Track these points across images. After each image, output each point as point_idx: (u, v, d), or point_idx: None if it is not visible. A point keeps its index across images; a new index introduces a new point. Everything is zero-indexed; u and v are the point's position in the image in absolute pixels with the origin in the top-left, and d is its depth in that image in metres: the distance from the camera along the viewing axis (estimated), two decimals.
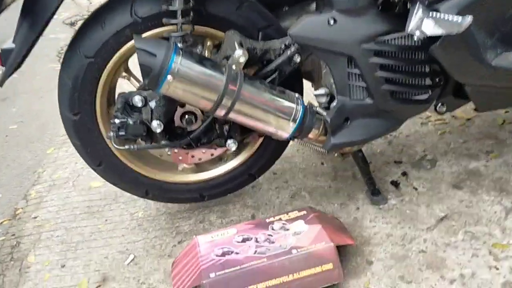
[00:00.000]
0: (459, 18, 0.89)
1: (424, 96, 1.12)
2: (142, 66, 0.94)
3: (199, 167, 1.35)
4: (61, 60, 1.18)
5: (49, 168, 1.77)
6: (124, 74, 1.19)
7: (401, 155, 1.54)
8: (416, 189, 1.36)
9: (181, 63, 0.96)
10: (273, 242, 1.07)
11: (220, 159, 1.36)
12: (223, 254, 1.06)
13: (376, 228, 1.24)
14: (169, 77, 0.95)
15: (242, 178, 1.35)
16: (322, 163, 1.56)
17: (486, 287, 1.02)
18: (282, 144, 1.32)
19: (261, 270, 1.01)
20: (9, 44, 1.09)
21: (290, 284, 1.01)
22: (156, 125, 1.06)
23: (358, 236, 1.21)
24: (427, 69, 1.09)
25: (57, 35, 3.15)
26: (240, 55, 0.99)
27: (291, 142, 1.25)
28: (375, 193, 1.33)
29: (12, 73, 1.14)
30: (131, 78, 1.21)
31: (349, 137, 1.12)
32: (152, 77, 0.95)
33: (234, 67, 1.00)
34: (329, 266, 1.03)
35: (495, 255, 1.09)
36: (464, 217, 1.22)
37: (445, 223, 1.21)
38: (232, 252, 1.06)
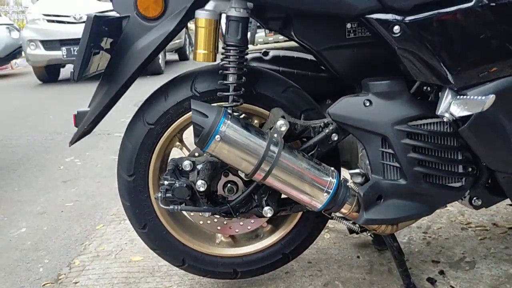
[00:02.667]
0: (483, 98, 0.98)
1: (457, 184, 1.16)
2: (195, 125, 1.07)
3: (236, 241, 1.40)
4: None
5: (96, 241, 1.86)
6: (177, 143, 1.32)
7: (439, 255, 1.51)
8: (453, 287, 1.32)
9: (228, 126, 1.07)
10: None
11: (256, 236, 1.40)
12: None
13: None
14: (217, 137, 1.06)
15: (276, 257, 1.37)
16: (358, 256, 1.56)
17: None
18: (317, 227, 1.36)
19: None
20: (85, 108, 1.26)
21: None
22: (200, 184, 1.15)
23: None
24: (460, 156, 1.14)
25: (122, 134, 3.44)
26: (282, 124, 1.10)
27: (327, 235, 1.28)
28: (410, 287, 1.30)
29: (83, 135, 1.29)
30: (183, 148, 1.33)
31: (382, 215, 1.15)
32: (202, 136, 1.07)
33: (275, 135, 1.11)
34: None
35: None
36: None
37: None
38: None
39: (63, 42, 6.43)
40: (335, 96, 1.38)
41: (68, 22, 6.52)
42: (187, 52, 9.06)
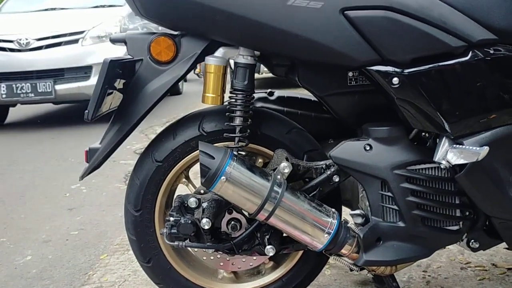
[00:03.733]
0: (477, 149, 1.02)
1: (454, 227, 1.19)
2: (202, 166, 1.12)
3: (238, 277, 1.43)
4: (133, 165, 1.37)
5: (99, 271, 1.88)
6: (184, 180, 1.37)
7: None
8: None
9: (234, 167, 1.12)
10: None
11: (258, 272, 1.43)
12: None
13: None
14: (223, 178, 1.11)
15: None
16: None
17: None
18: (318, 264, 1.39)
19: None
20: (96, 144, 1.31)
21: None
22: (205, 222, 1.18)
23: None
24: (457, 201, 1.18)
25: (127, 161, 3.50)
26: (285, 166, 1.15)
27: (328, 271, 1.31)
28: None
29: (93, 170, 1.34)
30: (189, 185, 1.38)
31: (381, 257, 1.18)
32: (209, 176, 1.11)
33: (279, 176, 1.15)
34: None
35: None
36: None
37: None
38: None
39: (1, 77, 4.79)
40: (337, 136, 1.44)
41: (10, 50, 4.86)
42: (180, 87, 7.63)
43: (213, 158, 1.11)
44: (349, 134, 1.35)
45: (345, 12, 1.04)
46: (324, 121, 1.51)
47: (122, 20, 5.39)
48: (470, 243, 1.26)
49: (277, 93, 1.55)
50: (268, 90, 1.56)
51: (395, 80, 1.06)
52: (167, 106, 5.94)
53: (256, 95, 1.52)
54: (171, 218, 1.23)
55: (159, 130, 4.70)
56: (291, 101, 1.53)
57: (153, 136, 1.29)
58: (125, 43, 1.26)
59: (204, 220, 1.18)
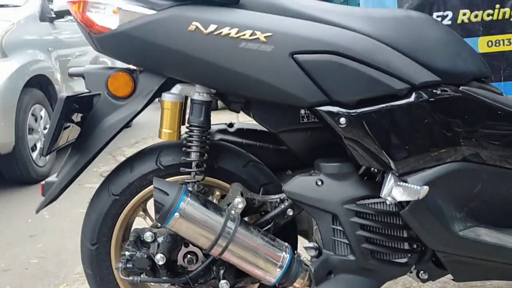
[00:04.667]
0: (418, 187, 1.07)
1: (402, 260, 1.23)
2: (156, 202, 1.13)
3: None
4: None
5: None
6: (141, 212, 1.37)
7: None
8: None
9: (188, 203, 1.14)
10: None
11: None
12: None
13: None
14: (176, 214, 1.13)
15: None
16: None
17: None
18: None
19: None
20: (53, 178, 1.31)
21: None
22: (160, 258, 1.19)
23: None
24: (405, 234, 1.22)
25: (93, 185, 3.46)
26: (239, 201, 1.17)
27: None
28: None
29: (49, 203, 1.34)
30: (147, 217, 1.39)
31: None
32: (163, 212, 1.13)
33: (233, 212, 1.17)
34: None
35: None
36: None
37: None
38: None
39: None
40: (295, 167, 1.48)
41: None
42: None
43: (167, 194, 1.13)
44: (307, 165, 1.39)
45: (294, 55, 1.09)
46: (282, 153, 1.54)
47: (12, 27, 3.63)
48: (420, 274, 1.30)
49: (237, 125, 1.58)
50: (228, 122, 1.59)
51: (342, 120, 1.11)
52: (136, 127, 5.90)
53: (215, 127, 1.55)
54: (127, 253, 1.24)
55: (127, 151, 4.69)
56: (250, 133, 1.56)
57: (121, 158, 1.30)
58: (83, 77, 1.28)
59: (159, 256, 1.19)
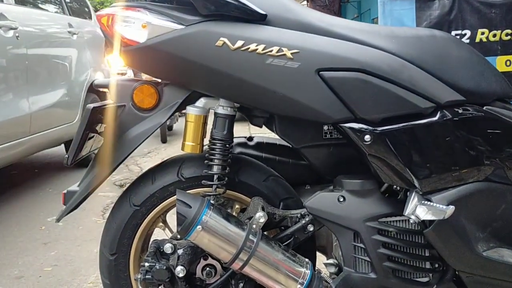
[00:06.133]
0: (444, 207, 1.07)
1: (424, 279, 1.23)
2: (178, 215, 1.13)
3: None
4: (106, 214, 1.38)
5: None
6: (161, 224, 1.38)
7: None
8: None
9: (210, 216, 1.14)
10: None
11: None
12: None
13: None
14: (199, 227, 1.13)
15: None
16: None
17: None
18: None
19: None
20: (74, 187, 1.32)
21: None
22: (180, 270, 1.19)
23: None
24: (427, 253, 1.22)
25: (106, 193, 3.48)
26: (260, 216, 1.17)
27: None
28: None
29: (70, 212, 1.34)
30: (166, 229, 1.39)
31: None
32: (185, 225, 1.13)
33: (254, 226, 1.17)
34: None
35: None
36: None
37: None
38: None
39: None
40: (314, 182, 1.48)
41: None
42: None
43: (190, 207, 1.14)
44: (326, 180, 1.39)
45: (321, 72, 1.09)
46: (301, 168, 1.54)
47: None
48: None
49: (256, 138, 1.59)
50: (248, 136, 1.59)
51: (367, 137, 1.11)
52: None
53: (235, 140, 1.56)
54: (146, 264, 1.24)
55: (139, 160, 4.71)
56: (269, 147, 1.57)
57: (134, 168, 1.30)
58: (108, 89, 1.29)
59: (179, 268, 1.19)
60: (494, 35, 2.36)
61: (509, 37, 2.35)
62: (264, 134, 1.60)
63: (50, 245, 2.58)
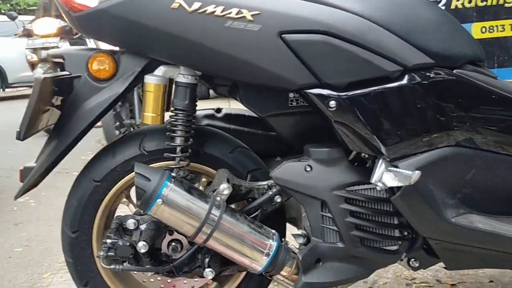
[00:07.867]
0: (410, 172, 1.04)
1: (393, 247, 1.20)
2: (138, 189, 1.08)
3: None
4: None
5: None
6: (124, 200, 1.33)
7: None
8: None
9: (171, 189, 1.09)
10: None
11: None
12: None
13: None
14: (159, 200, 1.08)
15: None
16: None
17: None
18: (262, 284, 1.37)
19: None
20: (31, 163, 1.26)
21: None
22: (142, 245, 1.15)
23: None
24: (395, 221, 1.19)
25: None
26: (225, 187, 1.13)
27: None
28: None
29: (29, 189, 1.28)
30: (130, 205, 1.34)
31: (320, 278, 1.17)
32: (144, 199, 1.08)
33: (218, 198, 1.13)
34: None
35: None
36: None
37: None
38: None
39: None
40: (284, 153, 1.44)
41: None
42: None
43: (149, 180, 1.09)
44: (296, 151, 1.35)
45: (283, 35, 1.04)
46: (270, 139, 1.50)
47: None
48: (410, 262, 1.28)
49: (225, 110, 1.53)
50: (216, 107, 1.54)
51: (332, 103, 1.07)
52: None
53: (203, 112, 1.50)
54: (108, 240, 1.20)
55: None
56: (238, 118, 1.52)
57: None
58: (63, 59, 1.22)
59: (141, 244, 1.15)
60: (470, 1, 2.32)
61: (484, 3, 2.31)
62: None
63: (22, 225, 2.52)
